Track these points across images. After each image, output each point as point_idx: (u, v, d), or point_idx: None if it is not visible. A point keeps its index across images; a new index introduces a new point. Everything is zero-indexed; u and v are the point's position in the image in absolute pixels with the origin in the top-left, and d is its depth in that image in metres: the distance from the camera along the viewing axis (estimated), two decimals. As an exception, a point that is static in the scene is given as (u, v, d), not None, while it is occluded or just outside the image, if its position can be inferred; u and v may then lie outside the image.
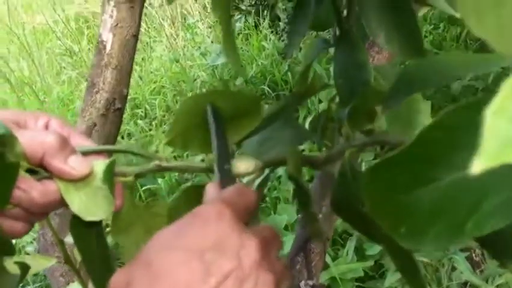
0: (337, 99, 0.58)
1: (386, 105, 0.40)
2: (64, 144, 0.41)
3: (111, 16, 1.08)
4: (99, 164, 0.43)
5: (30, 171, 0.40)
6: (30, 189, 0.40)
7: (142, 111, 3.15)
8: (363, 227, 0.43)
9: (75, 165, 0.41)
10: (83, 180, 0.42)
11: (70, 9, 4.50)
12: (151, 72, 3.53)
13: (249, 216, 0.38)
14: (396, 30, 0.49)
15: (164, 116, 3.08)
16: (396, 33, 0.49)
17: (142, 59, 3.75)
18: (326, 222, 0.98)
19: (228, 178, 0.42)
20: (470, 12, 0.23)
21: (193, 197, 0.48)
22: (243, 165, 0.45)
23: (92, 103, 1.05)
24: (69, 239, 0.83)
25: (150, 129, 2.98)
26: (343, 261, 1.60)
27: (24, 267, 0.67)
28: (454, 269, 1.53)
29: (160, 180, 2.29)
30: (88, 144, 0.45)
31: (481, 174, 0.23)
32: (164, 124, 2.99)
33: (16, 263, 0.47)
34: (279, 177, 2.04)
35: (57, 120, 0.44)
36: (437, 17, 3.12)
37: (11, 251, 0.43)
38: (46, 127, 0.43)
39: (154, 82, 3.38)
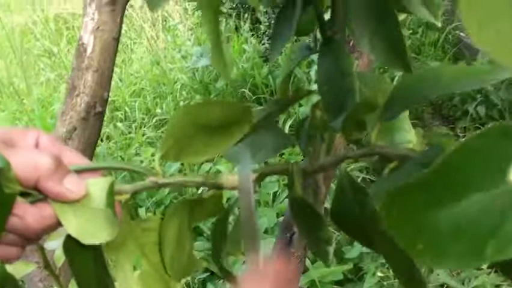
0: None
1: (383, 118, 0.41)
2: (59, 165, 0.39)
3: (92, 19, 1.08)
4: (95, 183, 0.42)
5: (23, 193, 0.38)
6: (25, 215, 0.38)
7: (121, 114, 3.14)
8: (364, 238, 0.44)
9: (71, 186, 0.40)
10: (79, 200, 0.40)
11: (49, 10, 4.46)
12: (131, 75, 3.51)
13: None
14: (381, 40, 0.49)
15: (144, 119, 3.06)
16: (381, 42, 0.49)
17: (122, 61, 3.73)
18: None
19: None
20: (473, 25, 0.24)
21: (184, 212, 0.49)
22: (235, 177, 0.46)
23: (73, 106, 1.04)
24: (48, 245, 0.83)
25: (130, 132, 2.96)
26: (322, 264, 1.61)
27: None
28: (431, 271, 1.55)
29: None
30: (80, 161, 0.43)
31: (502, 196, 0.24)
32: (144, 127, 2.98)
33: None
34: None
35: (47, 136, 0.42)
36: (415, 23, 3.16)
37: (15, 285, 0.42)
38: (36, 144, 0.41)
39: (134, 84, 3.36)
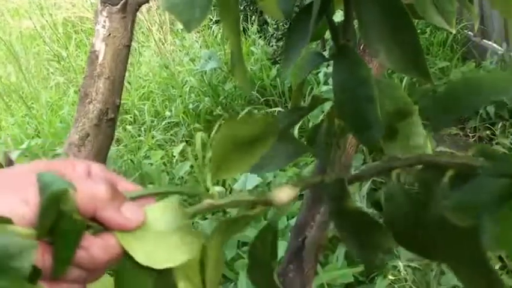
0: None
1: (435, 127, 0.41)
2: (115, 193, 0.37)
3: (104, 26, 1.09)
4: (152, 209, 0.40)
5: None
6: (90, 246, 0.36)
7: (131, 117, 3.15)
8: (420, 248, 0.43)
9: (130, 214, 0.38)
10: (140, 227, 0.38)
11: (58, 14, 4.48)
12: (140, 78, 3.53)
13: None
14: (399, 48, 0.49)
15: (153, 122, 3.08)
16: (398, 50, 0.49)
17: (131, 64, 3.73)
18: (318, 230, 0.99)
19: None
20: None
21: (225, 231, 0.48)
22: (284, 194, 0.46)
23: (85, 113, 1.05)
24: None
25: (139, 135, 2.98)
26: (333, 267, 1.60)
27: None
28: (442, 273, 1.55)
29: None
30: (132, 188, 0.41)
31: None
32: (154, 129, 2.99)
33: None
34: (269, 183, 2.05)
35: (98, 165, 0.41)
36: (423, 22, 3.15)
37: None
38: (87, 174, 0.39)
39: (143, 87, 3.38)
